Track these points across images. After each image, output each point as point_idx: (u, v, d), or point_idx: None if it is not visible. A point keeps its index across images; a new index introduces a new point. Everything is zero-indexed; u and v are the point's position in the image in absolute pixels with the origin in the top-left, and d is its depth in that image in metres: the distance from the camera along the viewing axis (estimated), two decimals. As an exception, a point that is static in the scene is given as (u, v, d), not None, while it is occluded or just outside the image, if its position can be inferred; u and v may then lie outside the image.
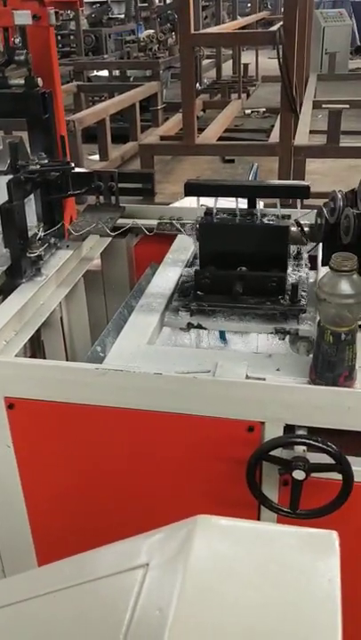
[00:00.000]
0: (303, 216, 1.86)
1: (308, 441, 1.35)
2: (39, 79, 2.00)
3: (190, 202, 2.20)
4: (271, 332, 1.70)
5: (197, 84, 8.96)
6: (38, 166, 1.94)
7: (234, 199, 1.83)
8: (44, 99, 2.01)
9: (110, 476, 1.62)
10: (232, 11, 13.56)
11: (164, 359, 1.54)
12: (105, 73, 10.24)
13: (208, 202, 1.88)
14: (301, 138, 6.10)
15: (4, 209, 1.78)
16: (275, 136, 6.53)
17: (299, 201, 1.89)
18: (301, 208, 1.88)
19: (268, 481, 1.46)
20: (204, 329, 1.74)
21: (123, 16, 15.41)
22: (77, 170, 2.28)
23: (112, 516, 1.65)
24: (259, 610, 0.68)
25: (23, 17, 1.86)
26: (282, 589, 0.70)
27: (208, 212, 1.84)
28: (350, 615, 0.74)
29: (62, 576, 0.88)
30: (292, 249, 1.93)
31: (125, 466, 1.59)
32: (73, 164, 2.07)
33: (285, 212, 1.83)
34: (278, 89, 6.18)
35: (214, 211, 1.82)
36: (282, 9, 9.48)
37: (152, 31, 10.73)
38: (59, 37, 12.27)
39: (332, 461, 1.33)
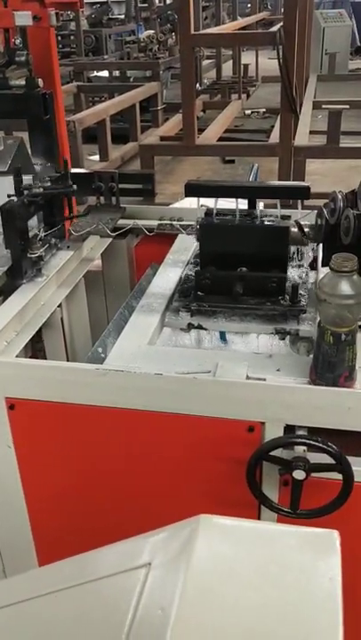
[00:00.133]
0: (303, 217, 1.86)
1: (308, 441, 1.36)
2: (40, 80, 2.00)
3: (190, 202, 2.21)
4: (271, 333, 1.70)
5: (197, 85, 8.97)
6: (41, 189, 1.95)
7: (234, 200, 1.84)
8: (45, 99, 2.02)
9: (111, 477, 1.62)
10: (232, 11, 13.56)
11: (164, 360, 1.55)
12: (105, 73, 10.24)
13: (208, 202, 1.89)
14: (301, 138, 6.11)
15: (4, 210, 1.78)
16: (275, 136, 6.54)
17: (299, 201, 1.89)
18: (302, 209, 1.89)
19: (269, 481, 1.46)
20: (205, 329, 1.74)
21: (123, 16, 15.41)
22: (78, 171, 2.29)
23: (112, 515, 1.65)
24: (260, 609, 0.68)
25: (24, 18, 1.86)
26: (283, 589, 0.70)
27: (208, 212, 1.84)
28: (351, 614, 0.75)
29: (64, 576, 0.89)
30: (293, 249, 1.93)
31: (126, 466, 1.60)
32: (75, 187, 2.07)
33: (286, 212, 1.84)
34: (278, 89, 6.18)
35: (214, 211, 1.82)
36: (282, 9, 9.49)
37: (152, 32, 10.74)
38: (59, 38, 12.27)
39: (333, 461, 1.33)
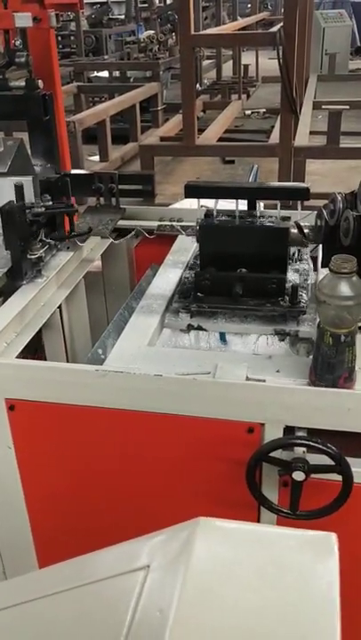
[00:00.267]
0: (303, 218, 1.86)
1: (307, 442, 1.36)
2: (40, 81, 2.01)
3: (190, 203, 2.21)
4: (271, 334, 1.70)
5: (197, 85, 8.97)
6: (43, 208, 1.95)
7: (234, 201, 1.84)
8: (45, 101, 2.02)
9: (111, 477, 1.62)
10: (232, 11, 13.57)
11: (164, 360, 1.55)
12: (105, 74, 10.24)
13: (208, 203, 1.89)
14: (301, 139, 6.11)
15: (4, 211, 1.78)
16: (275, 137, 6.53)
17: (299, 202, 1.89)
18: (302, 209, 1.89)
19: (268, 482, 1.47)
20: (205, 330, 1.75)
21: (123, 17, 15.41)
22: (77, 171, 2.29)
23: (113, 516, 1.65)
24: (258, 612, 0.68)
25: (24, 19, 1.87)
26: (281, 591, 0.70)
27: (208, 213, 1.85)
28: (349, 617, 0.75)
29: (63, 578, 0.89)
30: (292, 250, 1.94)
31: (126, 467, 1.60)
32: (77, 208, 2.06)
33: (285, 213, 1.84)
34: (278, 90, 6.18)
35: (214, 212, 1.83)
36: (282, 10, 9.49)
37: (152, 32, 10.75)
38: (59, 38, 12.28)
39: (332, 463, 1.34)
